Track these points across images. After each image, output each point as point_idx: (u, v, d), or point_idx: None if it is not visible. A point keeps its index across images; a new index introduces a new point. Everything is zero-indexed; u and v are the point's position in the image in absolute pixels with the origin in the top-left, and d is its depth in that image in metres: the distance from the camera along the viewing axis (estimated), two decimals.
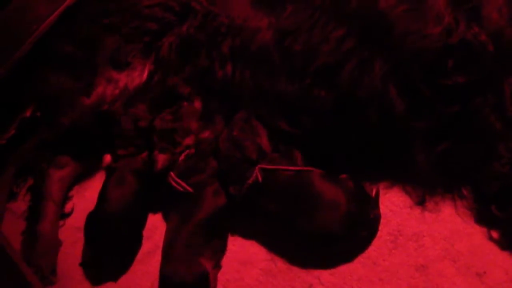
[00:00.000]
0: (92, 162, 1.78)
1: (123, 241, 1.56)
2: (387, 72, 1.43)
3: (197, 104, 1.70)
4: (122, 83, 1.71)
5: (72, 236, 1.64)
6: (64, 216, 1.70)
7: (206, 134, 1.67)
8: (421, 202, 1.50)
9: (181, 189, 1.55)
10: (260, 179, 1.49)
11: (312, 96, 1.51)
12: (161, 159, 1.61)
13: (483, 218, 1.45)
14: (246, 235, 1.55)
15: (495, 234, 1.43)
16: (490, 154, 1.40)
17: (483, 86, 1.39)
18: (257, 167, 1.51)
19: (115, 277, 1.56)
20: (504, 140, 1.38)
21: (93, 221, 1.57)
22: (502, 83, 1.39)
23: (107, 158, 1.70)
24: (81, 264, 1.57)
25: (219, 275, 1.50)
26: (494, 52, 1.37)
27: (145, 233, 1.62)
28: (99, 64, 1.70)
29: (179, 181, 1.56)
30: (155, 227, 1.62)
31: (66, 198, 1.72)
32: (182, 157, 1.62)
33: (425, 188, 1.52)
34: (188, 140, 1.65)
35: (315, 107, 1.51)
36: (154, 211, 1.66)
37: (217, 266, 1.50)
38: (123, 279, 1.56)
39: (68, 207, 1.71)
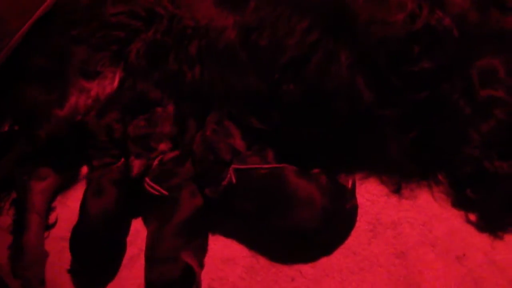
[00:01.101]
0: (73, 172, 1.79)
1: (107, 251, 1.58)
2: (353, 62, 1.43)
3: (170, 109, 1.70)
4: (93, 92, 1.72)
5: (57, 246, 1.65)
6: (49, 227, 1.70)
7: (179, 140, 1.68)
8: (397, 190, 1.51)
9: (157, 193, 1.57)
10: (234, 180, 1.50)
11: (281, 91, 1.51)
12: (137, 164, 1.62)
13: (459, 202, 1.46)
14: (227, 234, 1.57)
15: (472, 217, 1.44)
16: (461, 138, 1.40)
17: (450, 71, 1.39)
18: (230, 168, 1.52)
19: (102, 284, 1.57)
20: (474, 124, 1.38)
21: (76, 234, 1.58)
22: (469, 67, 1.38)
23: (85, 169, 1.73)
24: (69, 271, 1.59)
25: (203, 275, 1.51)
26: (459, 36, 1.37)
27: (128, 238, 1.64)
28: (70, 75, 1.70)
29: (154, 185, 1.57)
30: (137, 232, 1.64)
31: (49, 209, 1.73)
32: (156, 162, 1.63)
33: (400, 176, 1.52)
34: (163, 146, 1.66)
35: (284, 101, 1.51)
36: (136, 216, 1.67)
37: (200, 266, 1.52)
38: (109, 285, 1.57)
39: (51, 217, 1.72)
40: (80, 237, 1.58)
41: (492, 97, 1.37)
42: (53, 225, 1.71)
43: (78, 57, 1.71)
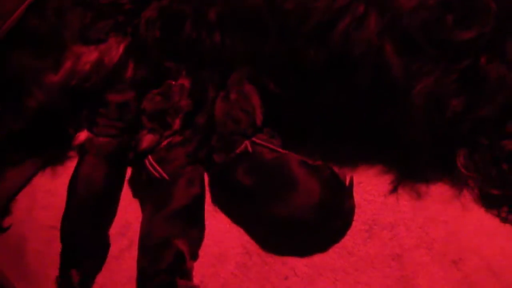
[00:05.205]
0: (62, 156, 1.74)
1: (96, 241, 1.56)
2: (383, 28, 1.37)
3: (185, 81, 1.66)
4: (93, 58, 1.64)
5: (45, 235, 1.61)
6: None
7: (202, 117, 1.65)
8: (395, 188, 1.48)
9: (157, 175, 1.53)
10: (250, 149, 1.49)
11: (304, 56, 1.45)
12: (148, 139, 1.58)
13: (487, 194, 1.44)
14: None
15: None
16: (508, 114, 1.35)
17: (491, 42, 1.34)
18: (248, 141, 1.51)
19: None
20: None
21: (64, 219, 1.56)
22: (507, 43, 1.34)
23: (81, 136, 1.66)
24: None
25: (194, 270, 1.48)
26: (496, 9, 1.32)
27: (119, 229, 1.60)
28: (67, 39, 1.62)
29: (156, 166, 1.54)
30: (129, 223, 1.60)
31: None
32: (165, 142, 1.60)
33: (402, 172, 1.49)
34: (178, 122, 1.62)
35: (306, 67, 1.46)
36: (127, 207, 1.63)
37: (194, 258, 1.49)
38: (99, 276, 1.54)
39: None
40: (67, 222, 1.55)
41: None
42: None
43: (79, 21, 1.63)
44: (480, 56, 1.35)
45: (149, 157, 1.56)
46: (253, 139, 1.52)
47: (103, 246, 1.56)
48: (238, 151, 1.50)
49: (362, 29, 1.38)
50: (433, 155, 1.45)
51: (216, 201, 1.58)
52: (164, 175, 1.53)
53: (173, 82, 1.66)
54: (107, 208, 1.61)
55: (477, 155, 1.41)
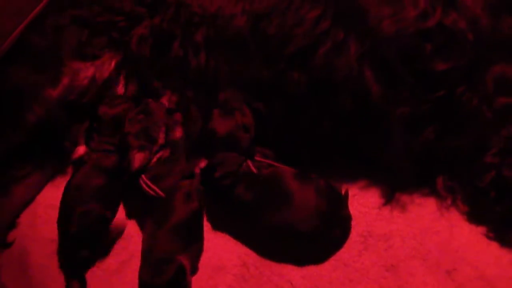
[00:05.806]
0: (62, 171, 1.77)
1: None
2: (362, 55, 1.40)
3: (163, 100, 1.70)
4: (90, 73, 1.68)
5: (48, 248, 1.64)
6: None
7: (178, 132, 1.68)
8: (390, 201, 1.50)
9: (153, 193, 1.56)
10: (254, 170, 1.52)
11: (287, 80, 1.49)
12: (139, 157, 1.60)
13: (452, 216, 1.46)
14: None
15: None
16: (482, 145, 1.38)
17: (467, 74, 1.37)
18: (249, 160, 1.54)
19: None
20: (495, 130, 1.36)
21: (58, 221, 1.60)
22: (484, 72, 1.37)
23: (80, 150, 1.71)
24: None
25: (193, 283, 1.50)
26: (473, 40, 1.35)
27: (120, 242, 1.63)
28: (65, 55, 1.66)
29: (151, 184, 1.57)
30: (130, 236, 1.63)
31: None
32: (154, 159, 1.62)
33: (395, 185, 1.51)
34: (162, 136, 1.65)
35: (289, 91, 1.50)
36: (128, 220, 1.66)
37: (193, 271, 1.52)
38: None
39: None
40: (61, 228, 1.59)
41: (509, 104, 1.35)
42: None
43: (75, 38, 1.67)
44: (456, 87, 1.38)
45: (143, 176, 1.58)
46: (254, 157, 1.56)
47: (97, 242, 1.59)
48: (242, 169, 1.53)
49: (342, 55, 1.42)
50: (415, 177, 1.48)
51: (214, 216, 1.60)
52: (160, 193, 1.55)
53: (149, 100, 1.70)
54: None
55: (456, 181, 1.44)
